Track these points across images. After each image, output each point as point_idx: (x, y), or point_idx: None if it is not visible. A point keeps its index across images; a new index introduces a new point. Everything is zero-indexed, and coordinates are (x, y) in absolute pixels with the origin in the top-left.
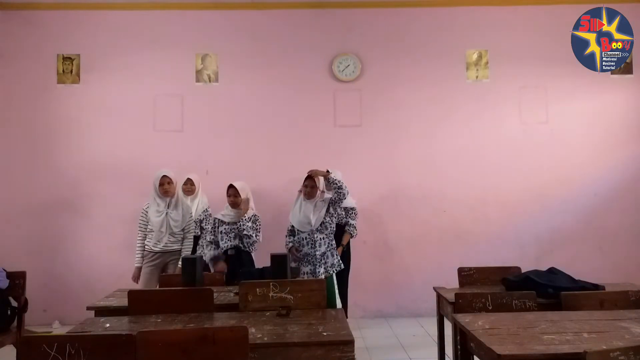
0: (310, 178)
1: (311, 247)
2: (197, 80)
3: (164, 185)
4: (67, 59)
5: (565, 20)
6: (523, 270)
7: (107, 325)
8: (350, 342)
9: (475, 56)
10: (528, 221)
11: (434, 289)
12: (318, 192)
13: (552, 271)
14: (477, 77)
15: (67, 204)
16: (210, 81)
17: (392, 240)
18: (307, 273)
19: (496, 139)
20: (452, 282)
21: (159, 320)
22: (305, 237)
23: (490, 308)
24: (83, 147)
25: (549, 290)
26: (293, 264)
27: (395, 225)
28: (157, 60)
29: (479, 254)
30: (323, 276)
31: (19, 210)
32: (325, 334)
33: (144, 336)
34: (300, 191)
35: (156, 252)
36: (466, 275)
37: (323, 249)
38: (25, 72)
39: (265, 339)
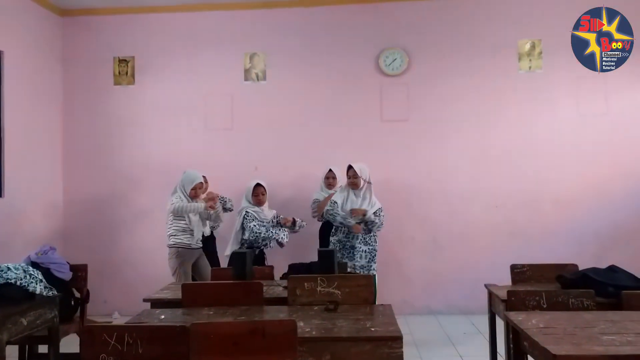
0: (351, 168)
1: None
2: (246, 79)
3: (197, 190)
4: (122, 61)
5: (624, 3)
6: (580, 268)
7: (162, 316)
8: (399, 338)
9: (527, 46)
10: (586, 217)
11: (485, 286)
12: (362, 181)
13: (612, 269)
14: (530, 67)
15: (125, 200)
16: (258, 80)
17: (441, 237)
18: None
19: (551, 131)
20: (504, 280)
21: (211, 312)
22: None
23: (544, 306)
24: (139, 145)
25: (609, 289)
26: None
27: (445, 221)
28: (207, 61)
29: (533, 251)
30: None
31: (82, 206)
32: (373, 329)
33: (197, 328)
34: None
35: (198, 248)
36: (519, 272)
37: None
38: (86, 75)
39: (314, 333)
